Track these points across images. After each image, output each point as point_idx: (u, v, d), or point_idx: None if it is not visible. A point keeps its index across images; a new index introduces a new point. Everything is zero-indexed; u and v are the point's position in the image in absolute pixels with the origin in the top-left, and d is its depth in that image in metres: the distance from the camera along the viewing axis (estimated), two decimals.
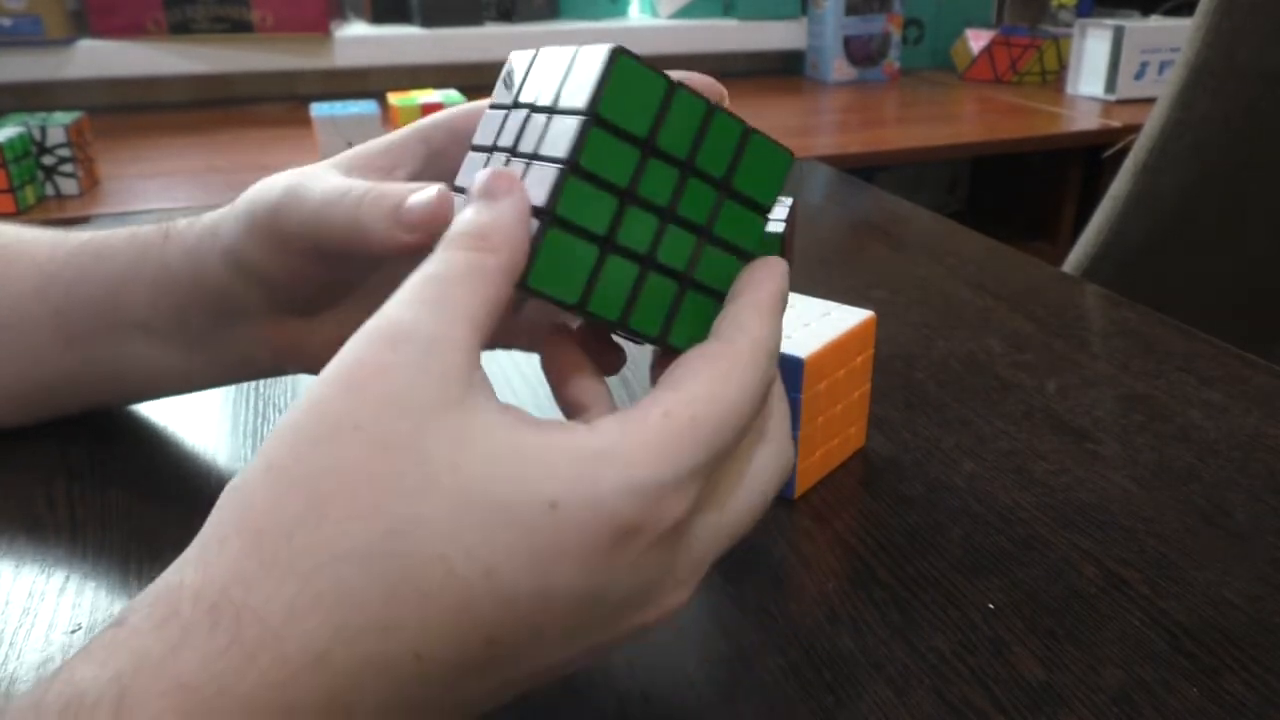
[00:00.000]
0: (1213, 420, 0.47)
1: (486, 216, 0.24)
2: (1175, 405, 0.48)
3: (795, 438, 0.39)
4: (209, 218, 0.38)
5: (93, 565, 0.36)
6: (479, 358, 0.24)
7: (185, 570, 0.21)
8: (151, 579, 0.35)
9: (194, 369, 0.41)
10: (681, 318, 0.27)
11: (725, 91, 0.31)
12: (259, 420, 0.46)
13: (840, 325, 0.40)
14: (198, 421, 0.46)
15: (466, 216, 0.25)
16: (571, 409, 0.27)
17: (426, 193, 0.29)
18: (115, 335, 0.40)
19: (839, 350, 0.40)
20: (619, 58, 0.25)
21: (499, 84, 0.30)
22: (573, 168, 0.25)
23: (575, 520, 0.22)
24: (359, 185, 0.31)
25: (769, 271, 0.27)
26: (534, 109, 0.27)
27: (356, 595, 0.20)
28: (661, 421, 0.23)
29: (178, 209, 0.93)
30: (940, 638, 0.33)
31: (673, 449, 0.23)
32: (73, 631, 0.33)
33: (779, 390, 0.28)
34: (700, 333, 0.27)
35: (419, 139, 0.35)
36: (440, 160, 0.35)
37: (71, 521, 0.39)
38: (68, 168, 0.98)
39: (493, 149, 0.29)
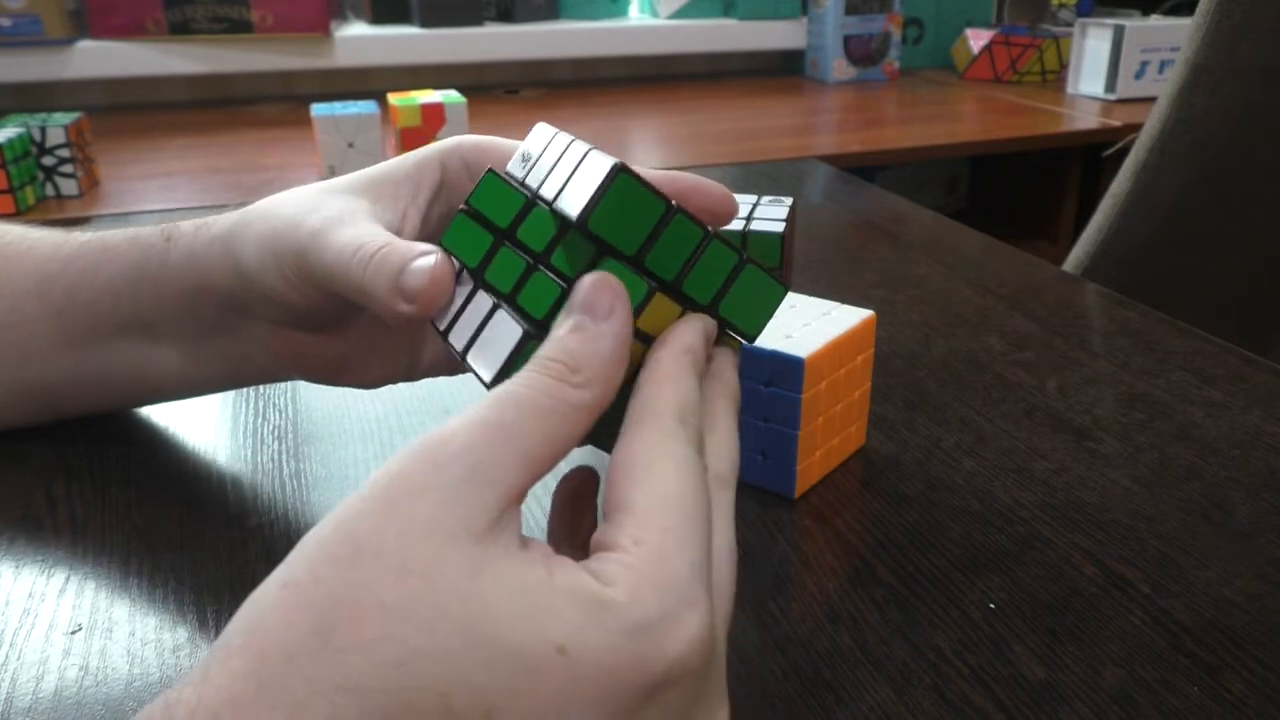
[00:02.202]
0: (1213, 419, 0.47)
1: (584, 345, 0.24)
2: (1176, 404, 0.48)
3: (795, 436, 0.39)
4: (217, 226, 0.37)
5: (93, 565, 0.36)
6: (522, 495, 0.23)
7: (186, 686, 0.20)
8: (151, 579, 0.35)
9: (194, 371, 0.41)
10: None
11: (735, 203, 0.31)
12: (259, 420, 0.46)
13: (840, 325, 0.40)
14: (198, 421, 0.46)
15: (564, 337, 0.25)
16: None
17: (423, 262, 0.29)
18: (117, 337, 0.40)
19: (839, 350, 0.40)
20: (619, 175, 0.25)
21: (518, 155, 0.30)
22: (541, 262, 0.26)
23: (586, 666, 0.21)
24: (371, 242, 0.30)
25: (672, 334, 0.27)
26: (537, 197, 0.28)
27: None
28: (639, 552, 0.23)
29: (178, 209, 0.93)
30: (941, 636, 0.33)
31: (664, 572, 0.22)
32: (73, 632, 0.33)
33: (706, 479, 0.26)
34: None
35: (438, 163, 0.35)
36: (451, 191, 0.36)
37: (71, 521, 0.39)
38: (68, 168, 0.98)
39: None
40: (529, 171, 0.29)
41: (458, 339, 0.28)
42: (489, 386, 0.26)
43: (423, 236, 0.35)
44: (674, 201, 0.26)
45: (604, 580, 0.22)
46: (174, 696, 0.20)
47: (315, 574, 0.21)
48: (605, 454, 0.26)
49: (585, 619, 0.21)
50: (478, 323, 0.27)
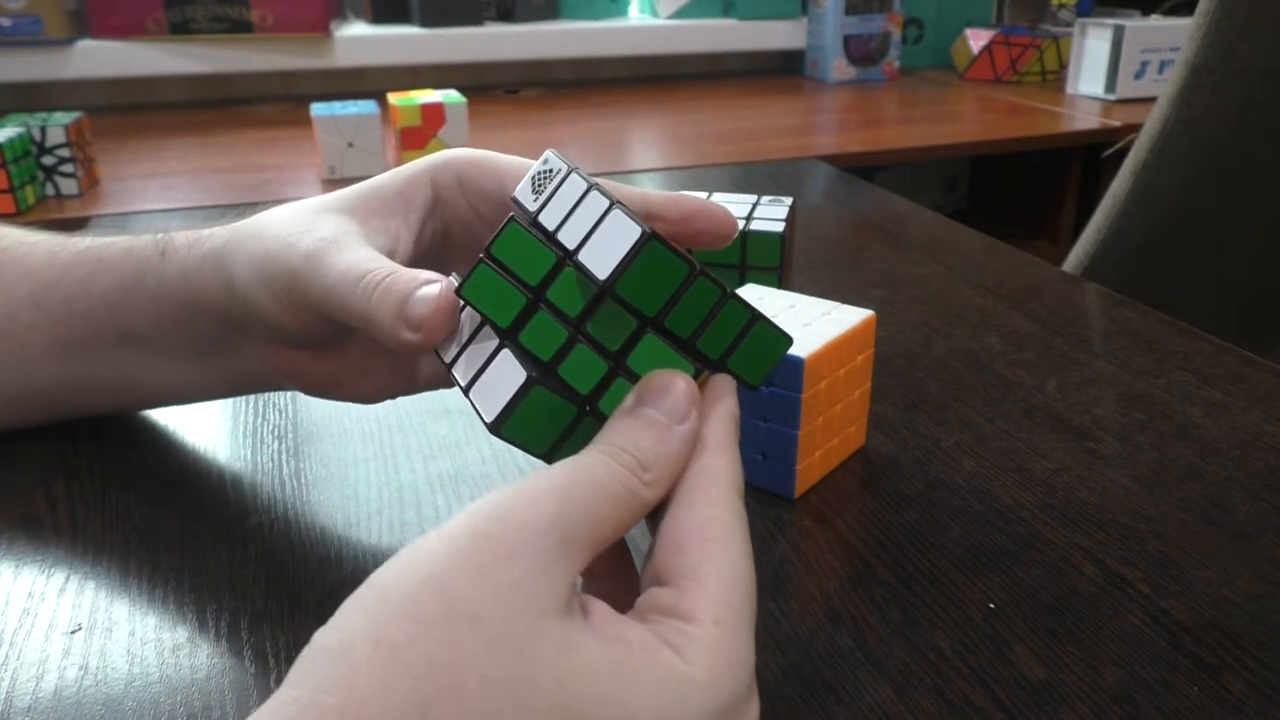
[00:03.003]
0: (1213, 419, 0.47)
1: (658, 445, 0.25)
2: (1176, 404, 0.48)
3: (795, 436, 0.39)
4: (210, 242, 0.37)
5: (93, 565, 0.36)
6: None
7: None
8: (151, 579, 0.35)
9: (193, 382, 0.41)
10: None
11: (736, 224, 0.31)
12: (259, 420, 0.46)
13: (840, 325, 0.40)
14: (198, 421, 0.46)
15: (639, 429, 0.25)
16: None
17: (429, 290, 0.29)
18: (114, 348, 0.40)
19: (839, 350, 0.40)
20: (649, 242, 0.25)
21: (527, 181, 0.29)
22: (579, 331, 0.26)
23: None
24: (375, 271, 0.30)
25: (720, 402, 0.27)
26: (557, 242, 0.27)
27: None
28: (728, 640, 0.23)
29: (177, 209, 0.93)
30: (941, 636, 0.33)
31: (741, 659, 0.23)
32: (73, 632, 0.33)
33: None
34: None
35: (429, 180, 0.35)
36: (444, 207, 0.35)
37: (71, 521, 0.39)
38: (68, 168, 0.98)
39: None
40: (542, 208, 0.28)
41: (461, 373, 0.28)
42: (490, 426, 0.27)
43: (416, 255, 0.35)
44: (698, 264, 0.26)
45: (685, 658, 0.23)
46: None
47: (409, 634, 0.21)
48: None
49: (668, 700, 0.22)
50: (482, 360, 0.27)
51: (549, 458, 0.27)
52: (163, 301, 0.38)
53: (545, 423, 0.27)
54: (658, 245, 0.25)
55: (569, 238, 0.27)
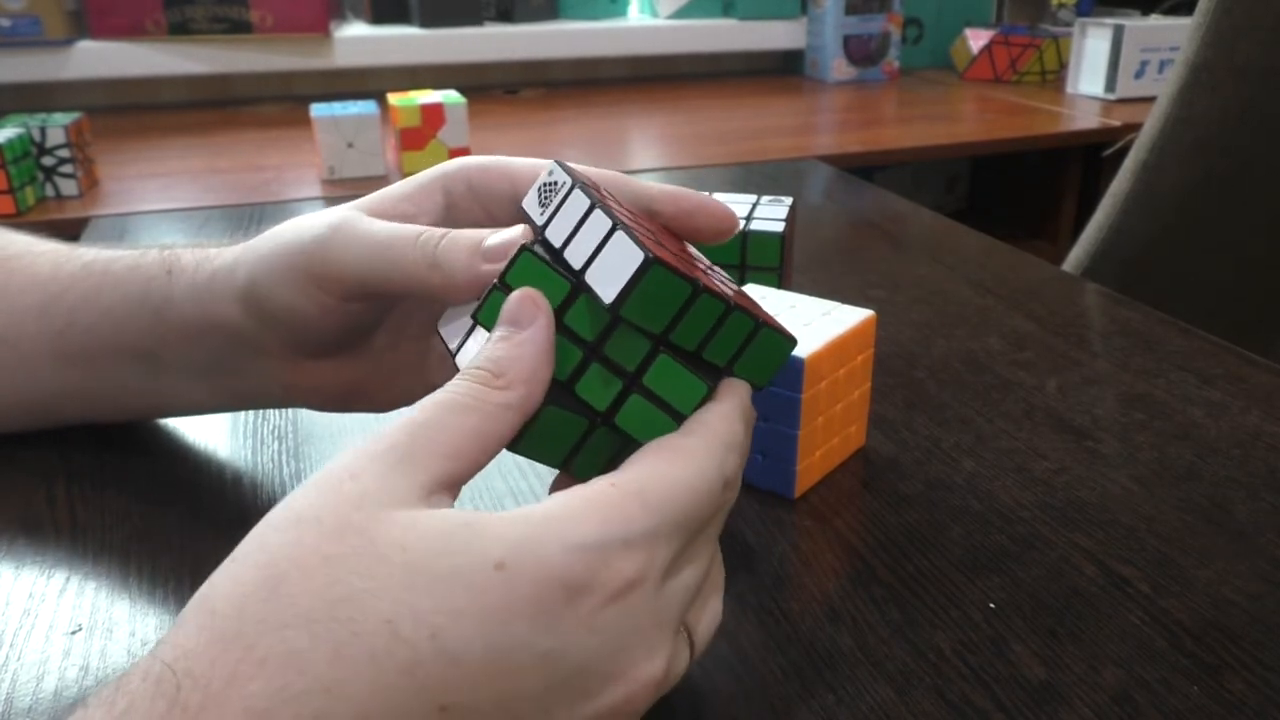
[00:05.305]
0: (1213, 418, 0.47)
1: (508, 351, 0.26)
2: (1175, 404, 0.48)
3: (795, 436, 0.39)
4: (219, 260, 0.37)
5: (93, 566, 0.36)
6: (451, 484, 0.25)
7: (143, 655, 0.22)
8: (151, 580, 0.35)
9: (195, 399, 0.41)
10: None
11: (736, 220, 0.32)
12: (259, 420, 0.46)
13: (840, 325, 0.40)
14: (199, 422, 0.46)
15: (491, 346, 0.26)
16: None
17: (512, 231, 0.29)
18: (117, 363, 0.40)
19: (839, 350, 0.40)
20: (651, 267, 0.25)
21: (533, 193, 0.30)
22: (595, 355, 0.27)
23: (524, 579, 0.22)
24: (434, 229, 0.31)
25: (733, 387, 0.29)
26: (564, 262, 0.27)
27: (300, 658, 0.21)
28: (608, 490, 0.24)
29: (177, 209, 0.93)
30: (941, 636, 0.33)
31: (617, 513, 0.24)
32: (73, 632, 0.33)
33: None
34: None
35: (440, 187, 0.35)
36: (456, 213, 0.35)
37: (72, 522, 0.39)
38: (67, 168, 0.98)
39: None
40: (549, 222, 0.28)
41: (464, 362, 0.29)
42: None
43: None
44: (701, 282, 0.26)
45: (551, 501, 0.24)
46: (131, 667, 0.21)
47: (260, 542, 0.23)
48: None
49: (524, 535, 0.23)
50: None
51: (565, 468, 0.28)
52: (169, 320, 0.38)
53: (559, 438, 0.27)
54: (660, 270, 0.25)
55: (575, 257, 0.27)
